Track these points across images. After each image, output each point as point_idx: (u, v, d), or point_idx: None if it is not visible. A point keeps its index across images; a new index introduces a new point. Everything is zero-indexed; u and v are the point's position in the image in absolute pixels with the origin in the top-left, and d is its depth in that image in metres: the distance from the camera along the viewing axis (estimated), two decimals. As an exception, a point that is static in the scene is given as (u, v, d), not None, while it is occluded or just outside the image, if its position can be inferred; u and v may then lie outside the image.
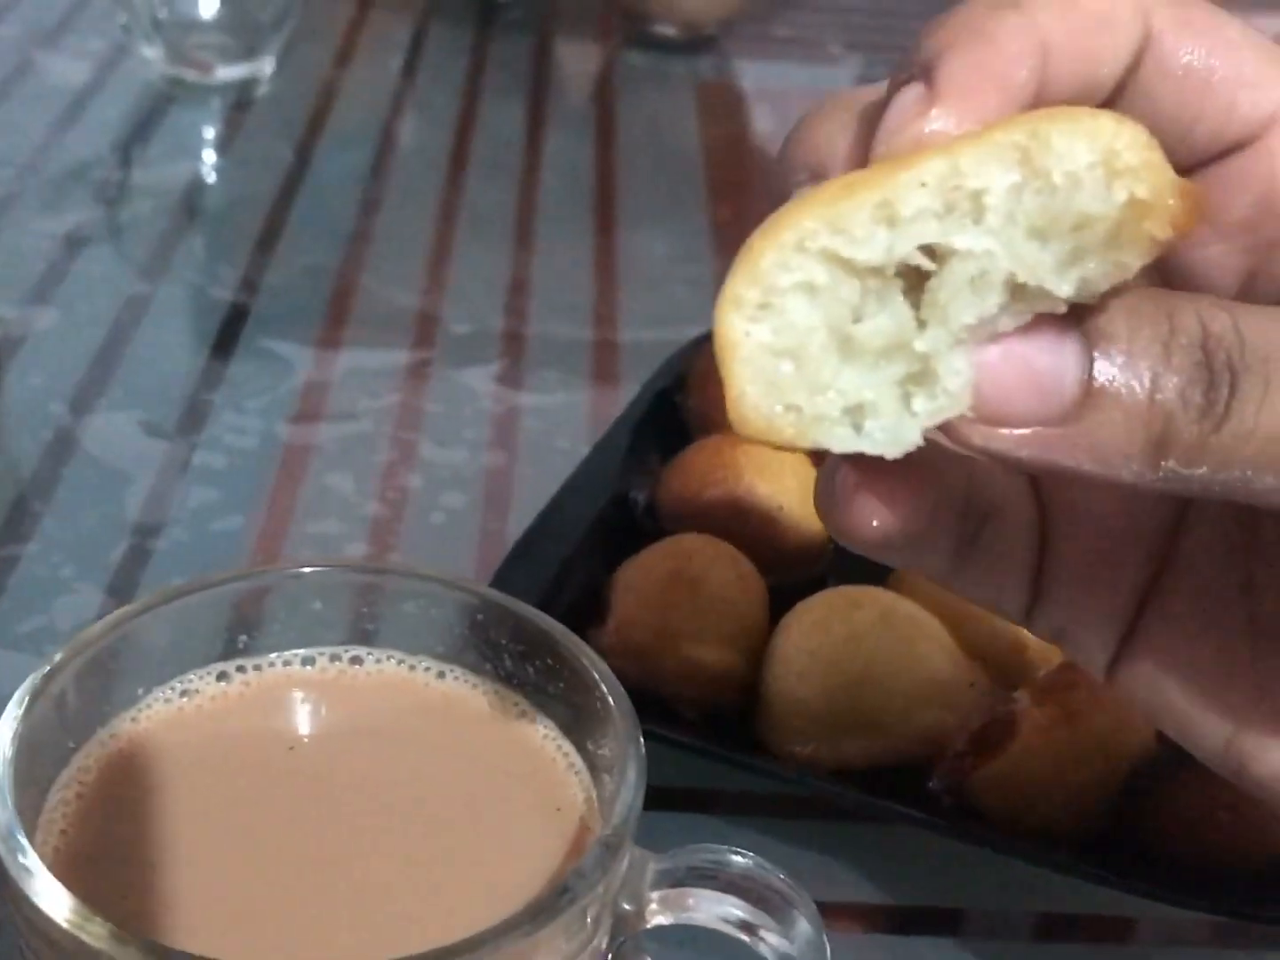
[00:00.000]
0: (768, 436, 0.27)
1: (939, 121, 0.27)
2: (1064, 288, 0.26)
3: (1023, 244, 0.26)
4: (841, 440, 0.27)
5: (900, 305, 0.26)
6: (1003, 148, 0.26)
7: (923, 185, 0.26)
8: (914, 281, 0.26)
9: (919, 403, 0.26)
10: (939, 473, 0.31)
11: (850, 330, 0.26)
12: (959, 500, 0.32)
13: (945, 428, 0.26)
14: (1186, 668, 0.33)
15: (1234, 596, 0.32)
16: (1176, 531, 0.33)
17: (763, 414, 0.27)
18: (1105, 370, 0.26)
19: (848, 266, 0.26)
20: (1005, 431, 0.26)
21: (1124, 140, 0.26)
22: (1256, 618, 0.32)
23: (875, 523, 0.30)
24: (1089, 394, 0.26)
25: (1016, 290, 0.26)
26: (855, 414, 0.27)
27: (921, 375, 0.26)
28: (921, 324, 0.26)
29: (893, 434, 0.27)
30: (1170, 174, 0.26)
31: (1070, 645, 0.35)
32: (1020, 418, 0.26)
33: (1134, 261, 0.26)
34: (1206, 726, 0.33)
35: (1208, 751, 0.33)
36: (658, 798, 0.38)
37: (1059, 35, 0.28)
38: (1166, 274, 0.32)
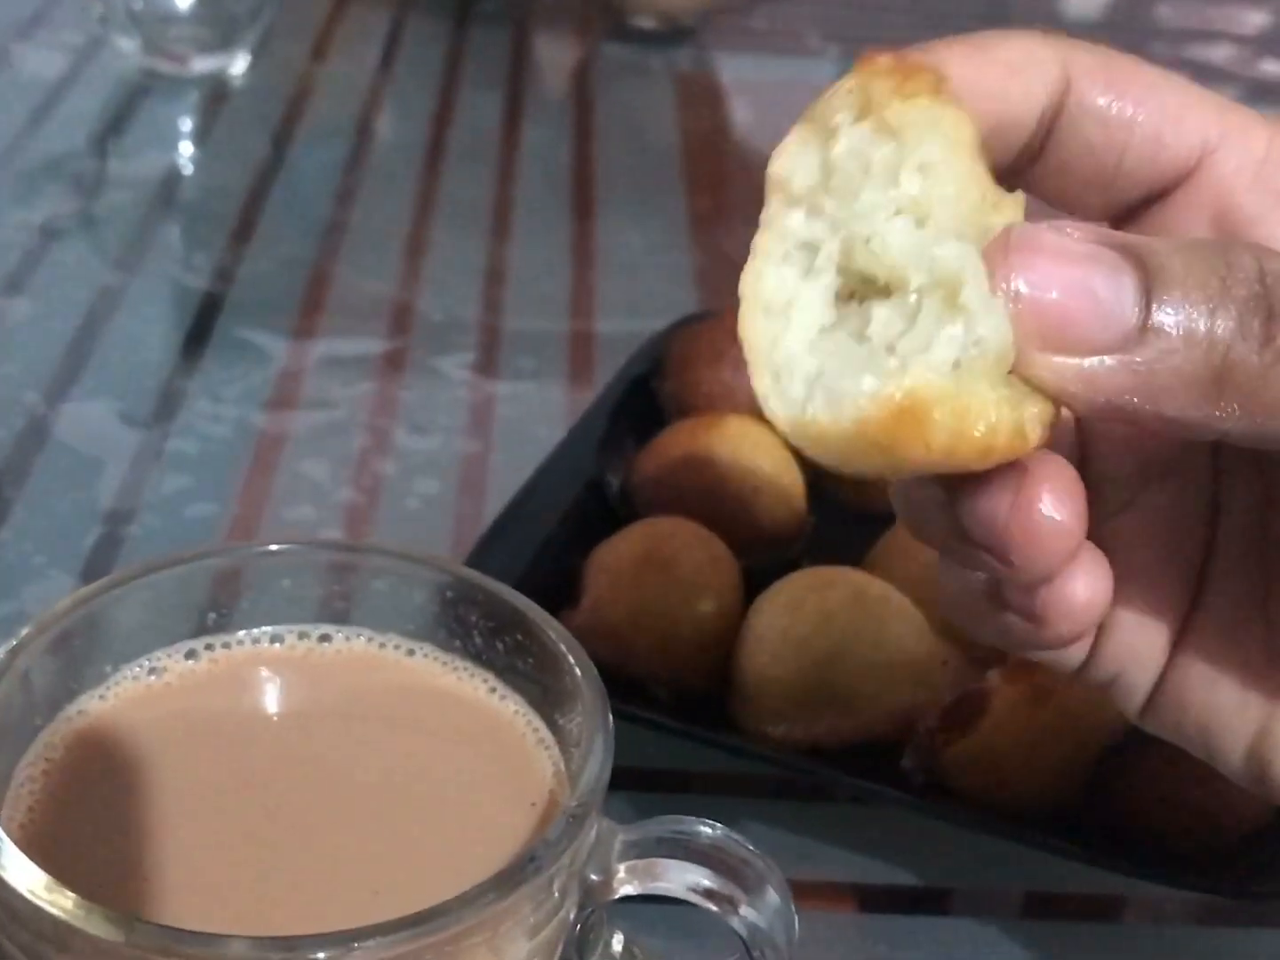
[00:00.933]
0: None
1: None
2: None
3: None
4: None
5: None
6: None
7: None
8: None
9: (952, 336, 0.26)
10: None
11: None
12: None
13: (1017, 359, 0.26)
14: (1210, 683, 0.33)
15: (1258, 610, 0.32)
16: (1208, 555, 0.33)
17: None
18: (1164, 303, 0.26)
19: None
20: (1071, 361, 0.26)
21: None
22: (1276, 627, 0.32)
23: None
24: (1148, 325, 0.26)
25: None
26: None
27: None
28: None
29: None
30: None
31: (1119, 691, 0.34)
32: (1085, 342, 0.26)
33: None
34: (1226, 737, 0.33)
35: (1230, 764, 0.33)
36: (631, 778, 0.38)
37: (969, 77, 0.29)
38: None
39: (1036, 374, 0.26)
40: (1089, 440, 0.33)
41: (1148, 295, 0.26)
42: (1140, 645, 0.33)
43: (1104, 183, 0.32)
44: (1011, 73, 0.30)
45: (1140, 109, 0.31)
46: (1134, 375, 0.26)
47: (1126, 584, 0.32)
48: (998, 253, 0.26)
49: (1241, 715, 0.32)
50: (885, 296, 0.27)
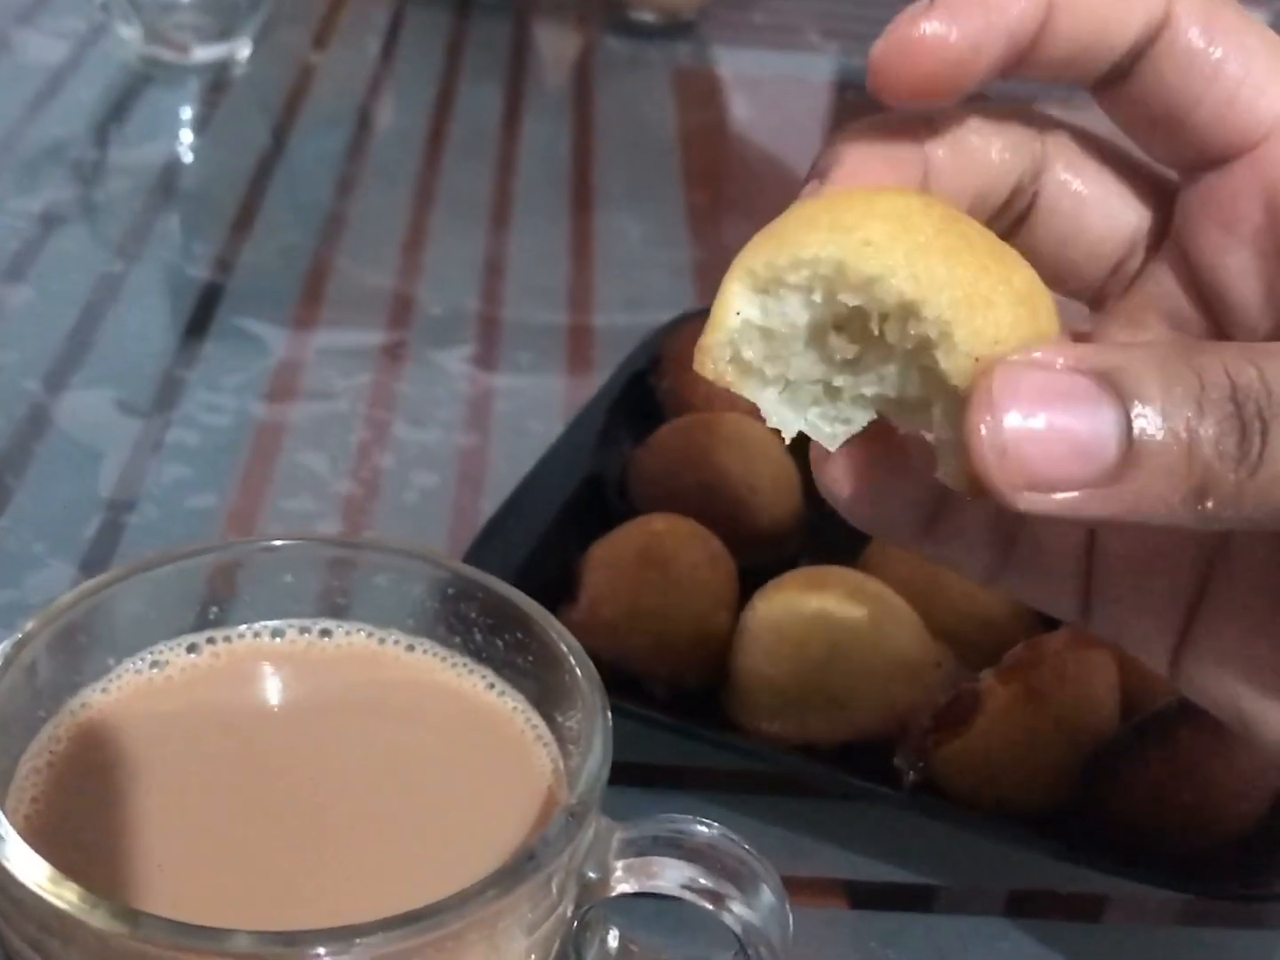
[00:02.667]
0: (714, 376, 0.30)
1: (931, 26, 0.29)
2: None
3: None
4: (768, 402, 0.31)
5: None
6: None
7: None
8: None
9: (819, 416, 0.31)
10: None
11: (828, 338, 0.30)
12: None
13: (993, 494, 0.27)
14: (1245, 660, 0.33)
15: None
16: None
17: (716, 359, 0.30)
18: (1144, 429, 0.27)
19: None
20: (1053, 496, 0.27)
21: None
22: None
23: (844, 492, 0.33)
24: (1130, 453, 0.27)
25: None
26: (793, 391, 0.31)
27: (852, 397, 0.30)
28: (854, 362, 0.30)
29: (823, 431, 0.31)
30: None
31: (1129, 644, 0.35)
32: (1067, 483, 0.27)
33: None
34: (1269, 717, 0.33)
35: (1269, 742, 0.33)
36: (626, 773, 0.38)
37: None
38: (1198, 287, 0.33)
39: (1018, 507, 0.27)
40: None
41: (1128, 427, 0.27)
42: (1146, 603, 0.34)
43: (1171, 128, 0.32)
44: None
45: (1226, 66, 0.31)
46: (1119, 503, 0.27)
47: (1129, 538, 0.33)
48: (982, 397, 0.27)
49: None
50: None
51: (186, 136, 0.91)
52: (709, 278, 0.80)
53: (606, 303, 0.77)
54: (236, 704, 0.38)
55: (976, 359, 0.28)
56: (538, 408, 0.67)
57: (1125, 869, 0.43)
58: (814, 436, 0.31)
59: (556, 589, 0.51)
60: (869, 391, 0.30)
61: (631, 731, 0.43)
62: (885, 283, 0.28)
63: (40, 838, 0.33)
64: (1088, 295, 0.35)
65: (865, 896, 0.46)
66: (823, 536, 0.56)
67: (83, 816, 0.34)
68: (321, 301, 0.75)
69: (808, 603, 0.47)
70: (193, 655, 0.38)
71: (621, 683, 0.48)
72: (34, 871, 0.30)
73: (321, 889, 0.33)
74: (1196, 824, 0.44)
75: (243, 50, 0.95)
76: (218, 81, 0.94)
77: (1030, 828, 0.45)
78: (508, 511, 0.54)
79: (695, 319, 0.63)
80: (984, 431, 0.27)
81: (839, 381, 0.30)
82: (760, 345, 0.30)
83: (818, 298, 0.29)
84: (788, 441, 0.31)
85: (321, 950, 0.28)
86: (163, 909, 0.31)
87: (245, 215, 0.81)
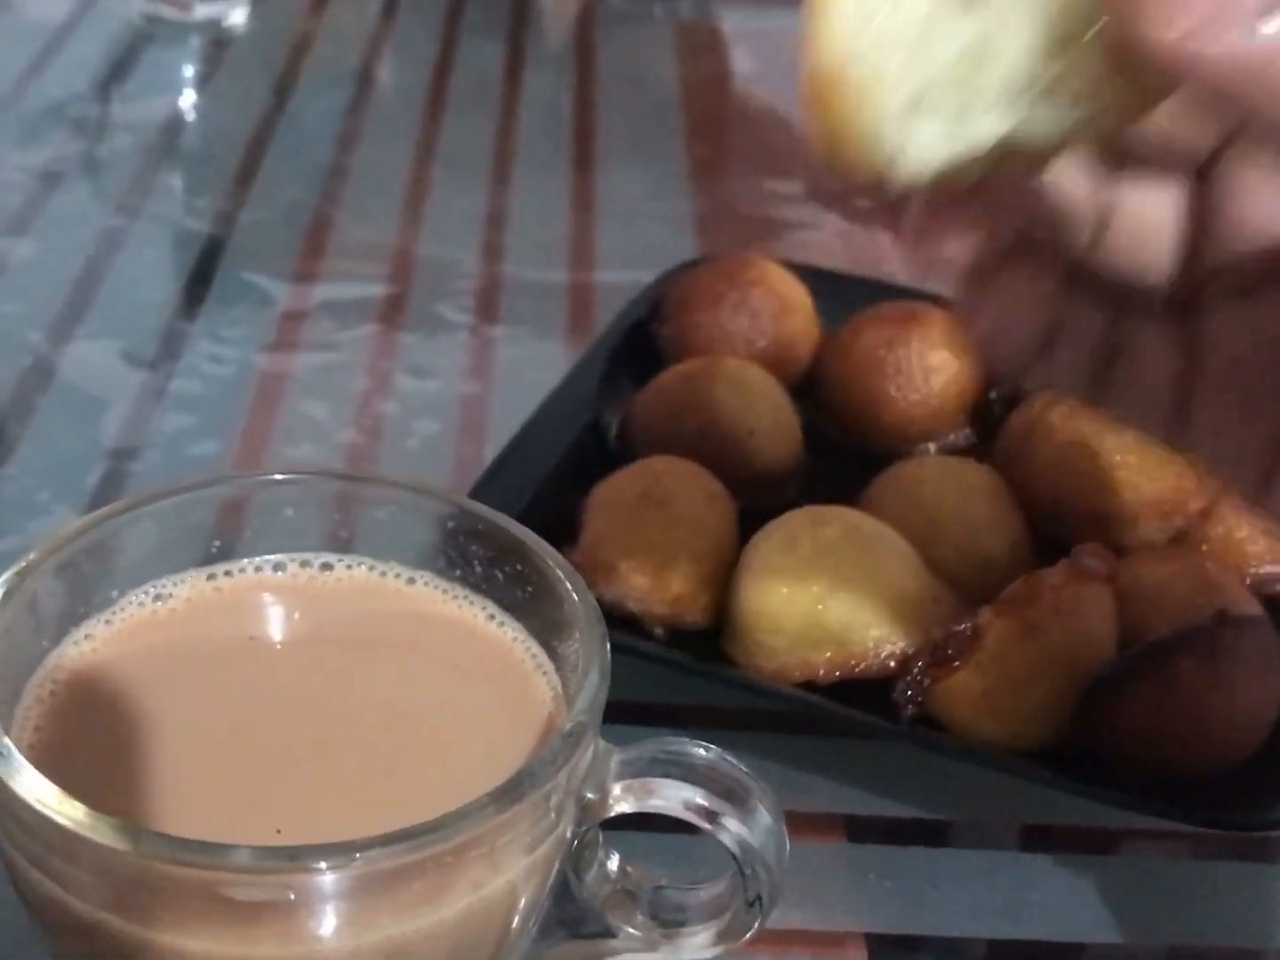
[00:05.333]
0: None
1: None
2: None
3: None
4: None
5: None
6: None
7: None
8: None
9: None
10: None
11: None
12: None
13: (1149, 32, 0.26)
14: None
15: None
16: None
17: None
18: None
19: None
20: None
21: None
22: None
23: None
24: None
25: None
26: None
27: None
28: None
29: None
30: None
31: (1218, 467, 0.35)
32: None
33: None
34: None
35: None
36: (625, 711, 0.39)
37: None
38: None
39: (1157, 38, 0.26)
40: None
41: None
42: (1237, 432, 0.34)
43: None
44: None
45: None
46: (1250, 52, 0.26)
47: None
48: None
49: None
50: None
51: (188, 93, 0.91)
52: (711, 230, 0.80)
53: (607, 256, 0.77)
54: (238, 635, 0.38)
55: None
56: (539, 358, 0.67)
57: (1124, 799, 0.44)
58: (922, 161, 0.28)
59: (558, 531, 0.51)
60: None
61: (631, 669, 0.43)
62: None
63: (44, 762, 0.33)
64: None
65: (864, 830, 0.47)
66: (822, 479, 0.56)
67: (85, 744, 0.34)
68: (323, 255, 0.75)
69: (806, 540, 0.48)
70: (195, 588, 0.38)
71: (621, 622, 0.49)
72: (39, 791, 0.30)
73: (322, 810, 0.33)
74: (1195, 753, 0.44)
75: (244, 8, 0.95)
76: (219, 39, 0.94)
77: (1028, 760, 0.45)
78: (509, 456, 0.54)
79: (695, 266, 0.64)
80: None
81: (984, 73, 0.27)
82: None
83: None
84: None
85: (322, 864, 0.29)
86: (165, 828, 0.31)
87: (247, 171, 0.81)
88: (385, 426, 0.62)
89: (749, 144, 0.91)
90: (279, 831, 0.32)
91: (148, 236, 0.75)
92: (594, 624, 0.35)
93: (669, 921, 0.37)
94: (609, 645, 0.35)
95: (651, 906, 0.37)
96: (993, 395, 0.59)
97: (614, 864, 0.37)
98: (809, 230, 0.79)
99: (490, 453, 0.58)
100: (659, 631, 0.49)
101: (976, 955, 0.44)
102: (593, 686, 0.33)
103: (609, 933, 0.37)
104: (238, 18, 0.95)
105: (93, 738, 0.35)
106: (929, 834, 0.47)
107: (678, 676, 0.48)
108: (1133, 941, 0.44)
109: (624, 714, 0.38)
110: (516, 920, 0.33)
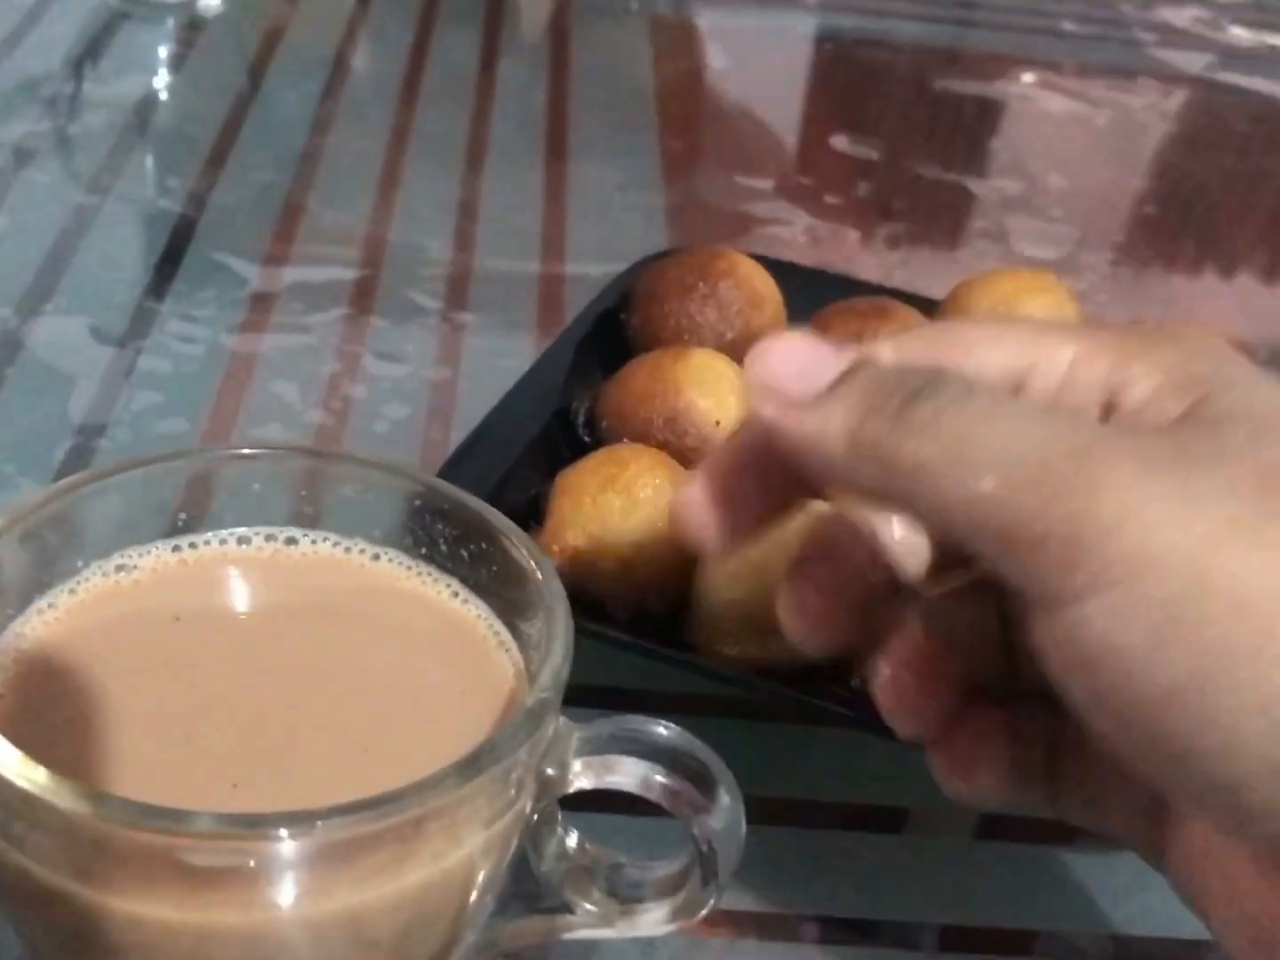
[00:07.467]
0: None
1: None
2: None
3: None
4: None
5: None
6: None
7: None
8: None
9: None
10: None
11: None
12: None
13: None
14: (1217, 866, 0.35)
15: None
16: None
17: None
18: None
19: None
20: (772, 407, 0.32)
21: None
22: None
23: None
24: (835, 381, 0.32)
25: None
26: None
27: None
28: None
29: None
30: None
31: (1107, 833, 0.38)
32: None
33: None
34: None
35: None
36: (589, 695, 0.39)
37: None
38: None
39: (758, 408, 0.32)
40: None
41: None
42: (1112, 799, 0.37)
43: None
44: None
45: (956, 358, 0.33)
46: (812, 420, 0.32)
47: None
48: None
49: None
50: None
51: (162, 74, 0.91)
52: (682, 224, 0.80)
53: (579, 247, 0.77)
54: (201, 607, 0.38)
55: None
56: (508, 346, 0.68)
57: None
58: None
59: (524, 517, 0.51)
60: None
61: (594, 653, 0.43)
62: None
63: (6, 730, 0.33)
64: None
65: (821, 816, 0.47)
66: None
67: (47, 712, 0.34)
68: (294, 238, 0.75)
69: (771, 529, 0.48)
70: (160, 559, 0.39)
71: (585, 606, 0.49)
72: (1, 756, 0.30)
73: (285, 781, 0.33)
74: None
75: (220, -10, 0.95)
76: (194, 20, 0.94)
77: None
78: (475, 441, 0.54)
79: (665, 256, 0.64)
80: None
81: None
82: None
83: None
84: None
85: (283, 832, 0.29)
86: (126, 794, 0.31)
87: (219, 152, 0.81)
88: (353, 409, 0.62)
89: (722, 139, 0.92)
90: (239, 792, 0.32)
91: (119, 215, 0.75)
92: (558, 602, 0.35)
93: (626, 898, 0.37)
94: (573, 625, 0.35)
95: (609, 883, 0.37)
96: (958, 391, 0.59)
97: (573, 841, 0.37)
98: (780, 225, 0.79)
99: (457, 438, 0.58)
100: (623, 615, 0.49)
101: (930, 941, 0.44)
102: (555, 663, 0.33)
103: (566, 908, 0.37)
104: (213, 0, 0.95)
105: (55, 706, 0.35)
106: (886, 821, 0.47)
107: (640, 661, 0.48)
108: (1083, 929, 0.45)
109: (586, 697, 0.38)
110: (475, 893, 0.34)
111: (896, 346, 0.34)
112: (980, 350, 0.33)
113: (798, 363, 0.32)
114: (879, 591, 0.36)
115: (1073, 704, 0.30)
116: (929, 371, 0.31)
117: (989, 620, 0.37)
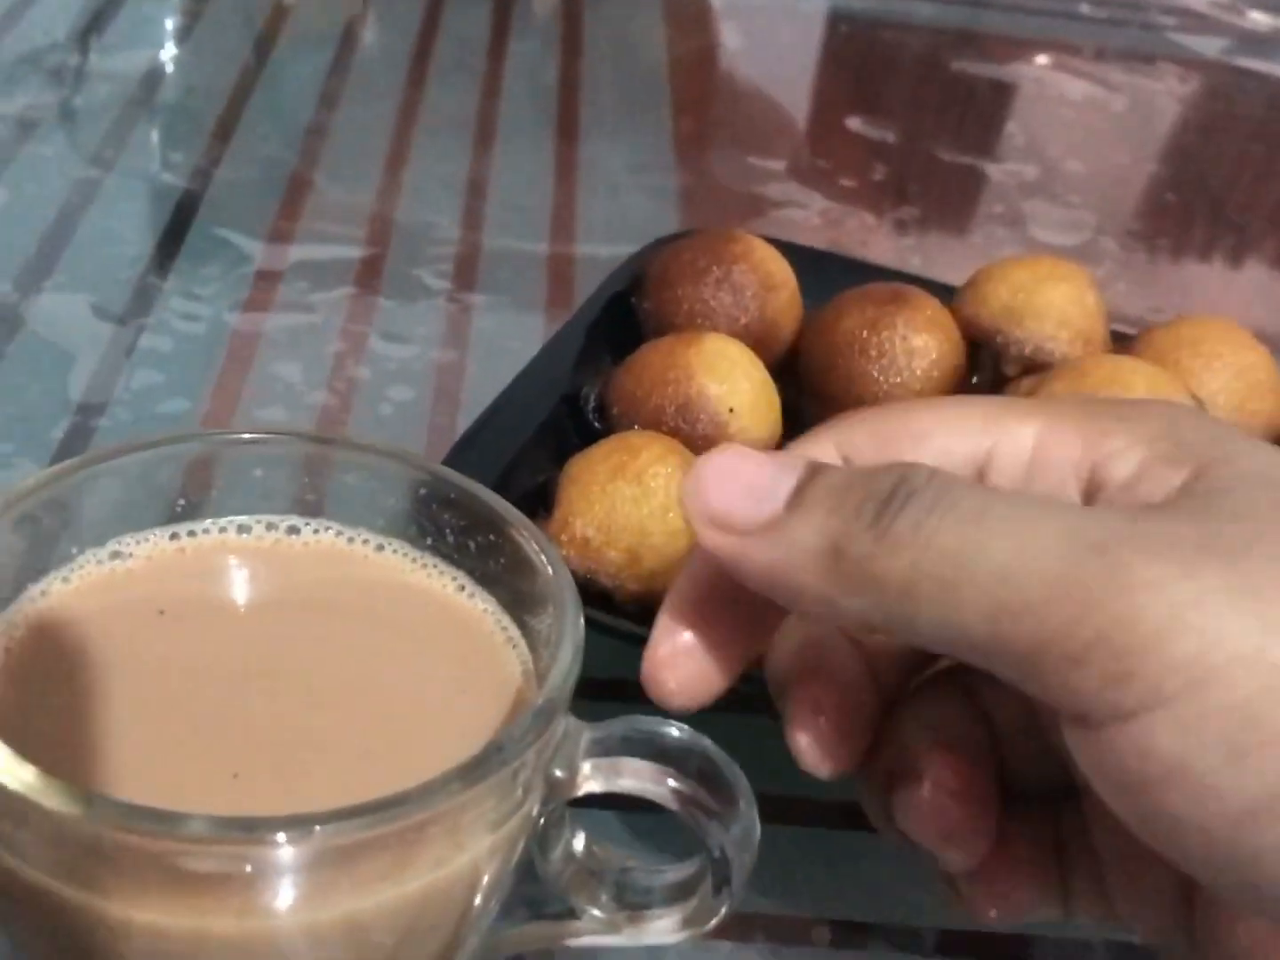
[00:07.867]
0: None
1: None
2: None
3: None
4: None
5: None
6: None
7: None
8: None
9: None
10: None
11: None
12: None
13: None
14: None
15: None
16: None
17: None
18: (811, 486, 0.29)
19: None
20: (723, 536, 0.30)
21: None
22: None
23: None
24: (792, 501, 0.29)
25: None
26: None
27: None
28: None
29: None
30: None
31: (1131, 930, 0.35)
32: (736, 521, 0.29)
33: None
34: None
35: None
36: (595, 687, 0.38)
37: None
38: None
39: (707, 544, 0.30)
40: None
41: (796, 486, 0.29)
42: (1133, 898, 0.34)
43: None
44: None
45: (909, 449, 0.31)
46: (774, 550, 0.29)
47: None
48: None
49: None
50: None
51: (169, 47, 0.89)
52: (694, 205, 0.79)
53: (589, 228, 0.76)
54: (198, 598, 0.37)
55: None
56: (516, 328, 0.67)
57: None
58: None
59: (530, 505, 0.50)
60: None
61: (601, 645, 0.42)
62: None
63: (-3, 723, 0.32)
64: None
65: (832, 817, 0.46)
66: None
67: (39, 705, 0.33)
68: (300, 215, 0.74)
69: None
70: (157, 547, 0.37)
71: (594, 597, 0.48)
72: (-12, 753, 0.29)
73: (283, 780, 0.32)
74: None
75: (227, -39, 0.94)
76: (202, -8, 0.93)
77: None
78: (483, 427, 0.53)
79: (677, 240, 0.63)
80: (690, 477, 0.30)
81: None
82: None
83: None
84: None
85: (280, 837, 0.28)
86: (119, 792, 0.30)
87: (225, 127, 0.80)
88: (358, 391, 0.61)
89: (736, 120, 0.90)
90: (236, 793, 0.31)
91: (122, 189, 0.74)
92: (569, 599, 0.34)
93: (634, 904, 0.36)
94: (583, 621, 0.34)
95: (617, 888, 0.36)
96: (974, 380, 0.58)
97: (580, 843, 0.36)
98: (794, 208, 0.78)
99: (464, 422, 0.57)
100: (632, 606, 0.48)
101: (929, 944, 0.43)
102: (565, 662, 0.32)
103: (572, 914, 0.36)
104: (221, -28, 0.94)
105: (47, 697, 0.34)
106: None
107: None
108: (1081, 934, 0.44)
109: (593, 690, 0.37)
110: (479, 899, 0.32)
111: (839, 443, 0.32)
112: (936, 437, 0.31)
113: (741, 481, 0.29)
114: (890, 693, 0.34)
115: (1124, 821, 0.27)
116: (895, 471, 0.28)
117: (1013, 715, 0.34)
